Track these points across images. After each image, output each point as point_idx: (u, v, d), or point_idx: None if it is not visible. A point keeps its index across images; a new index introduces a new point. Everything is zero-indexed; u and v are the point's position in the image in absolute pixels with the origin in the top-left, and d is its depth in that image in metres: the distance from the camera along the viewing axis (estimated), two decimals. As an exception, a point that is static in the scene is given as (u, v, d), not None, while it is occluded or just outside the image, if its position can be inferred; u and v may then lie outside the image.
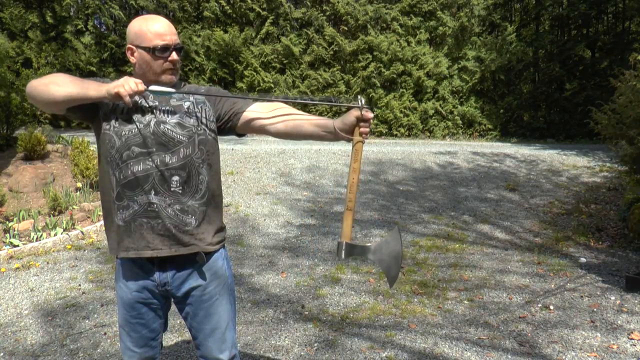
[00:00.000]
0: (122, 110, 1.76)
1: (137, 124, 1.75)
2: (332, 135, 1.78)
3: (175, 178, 1.74)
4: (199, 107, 1.83)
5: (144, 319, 1.87)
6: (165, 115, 1.78)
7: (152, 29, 1.74)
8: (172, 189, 1.74)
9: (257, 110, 1.86)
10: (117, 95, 1.60)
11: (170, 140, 1.75)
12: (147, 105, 1.79)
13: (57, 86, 1.66)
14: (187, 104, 1.81)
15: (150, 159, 1.73)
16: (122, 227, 1.76)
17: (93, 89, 1.65)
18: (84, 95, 1.65)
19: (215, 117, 1.85)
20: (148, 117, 1.77)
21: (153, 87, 1.71)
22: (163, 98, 1.80)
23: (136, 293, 1.83)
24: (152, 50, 1.73)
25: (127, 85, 1.60)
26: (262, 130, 1.86)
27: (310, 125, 1.80)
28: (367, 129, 1.72)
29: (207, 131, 1.82)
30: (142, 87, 1.64)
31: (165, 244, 1.75)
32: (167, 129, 1.75)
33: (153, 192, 1.72)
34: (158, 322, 1.91)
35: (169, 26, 1.77)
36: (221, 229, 1.90)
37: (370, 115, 1.71)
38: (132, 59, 1.77)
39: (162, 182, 1.73)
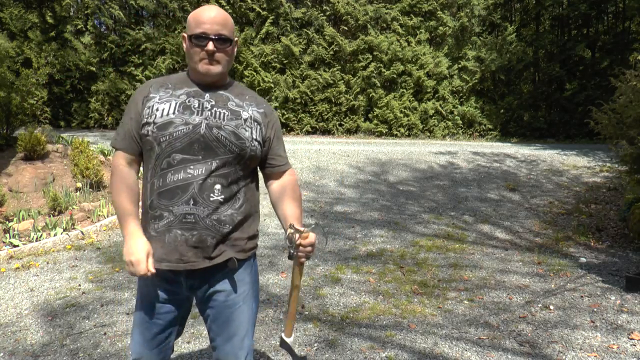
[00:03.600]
0: (162, 111, 1.67)
1: (181, 127, 1.65)
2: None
3: (218, 187, 1.66)
4: (255, 124, 1.75)
5: (161, 319, 1.80)
6: (221, 119, 1.68)
7: (197, 16, 1.67)
8: (212, 199, 1.65)
9: (274, 178, 1.87)
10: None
11: (221, 147, 1.66)
12: (198, 104, 1.68)
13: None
14: (245, 115, 1.73)
15: (192, 167, 1.63)
16: (155, 237, 1.69)
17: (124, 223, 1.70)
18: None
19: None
20: (197, 118, 1.66)
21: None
22: (221, 98, 1.72)
23: (161, 293, 1.77)
24: (190, 38, 1.67)
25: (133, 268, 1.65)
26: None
27: (280, 210, 1.83)
28: (304, 254, 1.71)
29: (258, 149, 1.75)
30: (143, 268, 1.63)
31: (199, 256, 1.68)
32: (222, 135, 1.66)
33: (192, 202, 1.63)
34: (174, 327, 1.85)
35: (216, 15, 1.66)
36: (254, 236, 1.84)
37: (307, 241, 1.68)
38: (184, 48, 1.73)
39: (202, 192, 1.64)
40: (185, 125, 1.64)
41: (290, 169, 1.89)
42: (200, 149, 1.63)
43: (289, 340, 1.84)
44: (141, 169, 1.79)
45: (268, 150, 1.80)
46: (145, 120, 1.67)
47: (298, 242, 1.68)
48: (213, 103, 1.69)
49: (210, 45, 1.64)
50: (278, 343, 1.75)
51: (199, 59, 1.66)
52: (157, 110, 1.67)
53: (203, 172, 1.62)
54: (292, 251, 1.72)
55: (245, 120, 1.71)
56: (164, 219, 1.65)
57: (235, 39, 1.74)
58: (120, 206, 1.69)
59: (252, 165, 1.77)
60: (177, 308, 1.81)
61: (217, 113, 1.68)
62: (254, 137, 1.72)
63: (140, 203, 1.76)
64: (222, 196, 1.67)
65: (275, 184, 1.86)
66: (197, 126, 1.64)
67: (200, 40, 1.64)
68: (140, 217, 1.76)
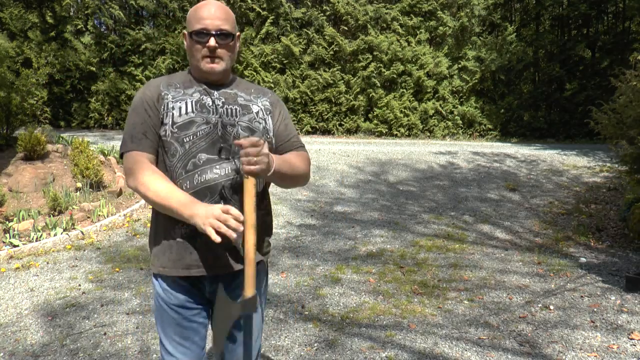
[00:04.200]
0: (179, 109, 1.60)
1: (203, 126, 1.59)
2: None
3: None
4: (268, 115, 1.71)
5: (194, 321, 1.68)
6: (234, 116, 1.63)
7: (197, 12, 1.60)
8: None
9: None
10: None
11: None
12: (212, 103, 1.63)
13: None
14: (256, 108, 1.68)
15: (218, 166, 1.57)
16: (182, 243, 1.59)
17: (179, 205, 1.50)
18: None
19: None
20: (214, 117, 1.61)
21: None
22: (229, 95, 1.67)
23: (180, 300, 1.66)
24: (190, 35, 1.61)
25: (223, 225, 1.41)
26: None
27: None
28: (246, 161, 1.44)
29: (273, 139, 1.70)
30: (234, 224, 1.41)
31: (232, 258, 1.61)
32: (238, 132, 1.61)
33: (222, 203, 1.55)
34: (205, 329, 1.74)
35: (216, 10, 1.59)
36: (270, 236, 1.80)
37: (248, 140, 1.45)
38: (185, 46, 1.67)
39: (231, 192, 1.56)
40: (207, 124, 1.59)
41: (305, 152, 1.78)
42: (222, 148, 1.59)
43: (247, 296, 1.50)
44: None
45: (279, 137, 1.73)
46: (162, 120, 1.60)
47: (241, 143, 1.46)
48: (223, 100, 1.65)
49: (212, 41, 1.58)
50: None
51: (201, 57, 1.61)
52: (173, 109, 1.60)
53: (229, 171, 1.57)
54: (237, 162, 1.55)
55: (257, 113, 1.68)
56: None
57: (237, 33, 1.68)
58: (162, 187, 1.52)
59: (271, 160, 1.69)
60: (204, 310, 1.72)
61: (229, 110, 1.64)
62: (268, 128, 1.69)
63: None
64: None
65: None
66: (215, 126, 1.60)
67: (201, 36, 1.59)
68: (156, 221, 1.67)
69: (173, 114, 1.59)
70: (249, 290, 1.48)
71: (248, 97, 1.70)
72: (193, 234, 1.56)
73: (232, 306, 1.52)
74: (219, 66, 1.62)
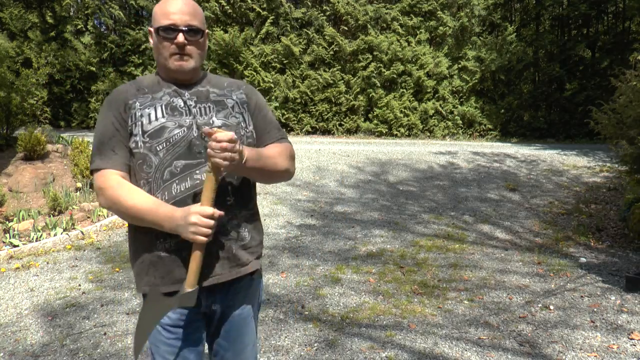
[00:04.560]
0: (149, 117, 1.50)
1: (176, 131, 1.48)
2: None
3: (229, 188, 1.51)
4: (244, 106, 1.61)
5: (189, 340, 1.58)
6: (207, 114, 1.54)
7: (164, 7, 1.52)
8: (228, 202, 1.50)
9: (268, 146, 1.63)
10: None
11: None
12: (183, 104, 1.53)
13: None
14: (230, 102, 1.59)
15: (197, 171, 1.47)
16: (167, 258, 1.48)
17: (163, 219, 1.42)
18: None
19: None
20: (188, 119, 1.51)
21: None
22: (200, 93, 1.57)
23: (175, 320, 1.55)
24: (157, 31, 1.51)
25: (199, 229, 1.36)
26: None
27: None
28: (213, 153, 1.34)
29: (253, 133, 1.61)
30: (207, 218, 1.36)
31: (225, 267, 1.51)
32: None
33: None
34: (202, 347, 1.64)
35: (184, 4, 1.51)
36: (262, 239, 1.68)
37: (222, 135, 1.34)
38: (151, 43, 1.57)
39: (216, 196, 1.44)
40: (180, 128, 1.49)
41: (287, 143, 1.66)
42: (200, 152, 1.48)
43: (187, 289, 1.42)
44: None
45: (258, 129, 1.63)
46: (131, 131, 1.49)
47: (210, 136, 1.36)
48: (195, 99, 1.55)
49: (181, 37, 1.49)
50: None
51: (169, 54, 1.51)
52: (142, 117, 1.49)
53: None
54: (202, 150, 1.46)
55: (233, 107, 1.58)
56: (176, 235, 1.42)
57: (206, 30, 1.59)
58: (139, 202, 1.43)
59: None
60: (200, 326, 1.61)
61: (203, 109, 1.54)
62: (247, 122, 1.59)
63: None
64: (235, 197, 1.53)
65: None
66: (189, 128, 1.50)
67: (169, 32, 1.49)
68: (134, 239, 1.56)
69: (142, 122, 1.49)
70: (190, 284, 1.41)
71: (221, 92, 1.60)
72: (179, 247, 1.46)
73: (165, 300, 1.46)
74: (188, 64, 1.53)
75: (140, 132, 1.48)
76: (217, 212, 1.38)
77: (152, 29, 1.55)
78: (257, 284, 1.69)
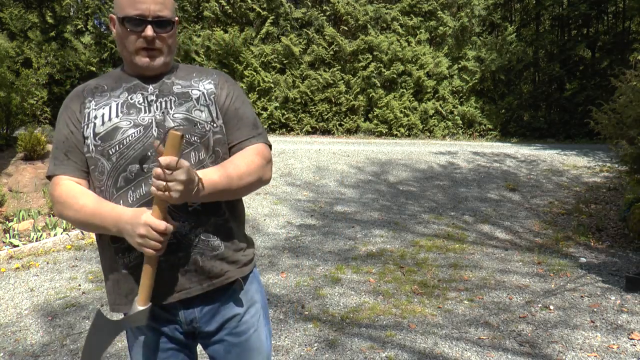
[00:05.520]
0: (102, 117, 1.33)
1: (130, 131, 1.31)
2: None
3: None
4: (211, 98, 1.41)
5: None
6: (168, 107, 1.35)
7: None
8: (190, 209, 1.32)
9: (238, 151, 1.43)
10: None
11: None
12: (143, 100, 1.36)
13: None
14: (196, 93, 1.39)
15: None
16: (128, 274, 1.34)
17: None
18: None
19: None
20: (147, 117, 1.33)
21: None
22: (165, 85, 1.39)
23: (155, 337, 1.43)
24: (122, 22, 1.32)
25: (148, 241, 1.20)
26: None
27: None
28: (155, 185, 1.18)
29: (223, 128, 1.41)
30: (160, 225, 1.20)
31: (193, 280, 1.34)
32: (177, 128, 1.33)
33: (168, 219, 1.29)
34: None
35: None
36: (250, 243, 1.51)
37: (164, 159, 1.16)
38: (113, 33, 1.39)
39: (175, 206, 1.28)
40: (135, 127, 1.31)
41: (259, 144, 1.44)
42: (144, 158, 1.30)
43: (139, 307, 1.29)
44: None
45: (228, 125, 1.42)
46: (83, 134, 1.34)
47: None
48: (157, 93, 1.37)
49: (149, 31, 1.31)
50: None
51: (135, 49, 1.33)
52: (95, 118, 1.33)
53: None
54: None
55: (198, 99, 1.38)
56: (135, 249, 1.27)
57: (176, 18, 1.41)
58: (85, 203, 1.30)
59: (224, 151, 1.41)
60: (183, 345, 1.45)
61: (164, 103, 1.36)
62: (214, 116, 1.39)
63: (96, 239, 1.41)
64: (200, 204, 1.33)
65: None
66: (148, 127, 1.32)
67: (136, 24, 1.30)
68: (100, 255, 1.42)
69: (95, 123, 1.33)
70: (142, 302, 1.27)
71: (187, 83, 1.41)
72: (139, 263, 1.30)
73: (112, 323, 1.34)
74: (157, 61, 1.36)
75: (92, 135, 1.32)
76: (170, 227, 1.21)
77: (114, 16, 1.36)
78: (252, 289, 1.49)
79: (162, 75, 1.42)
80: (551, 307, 3.80)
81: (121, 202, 1.30)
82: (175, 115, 1.34)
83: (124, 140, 1.30)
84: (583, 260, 4.87)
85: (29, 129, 7.40)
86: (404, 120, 15.09)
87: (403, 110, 15.16)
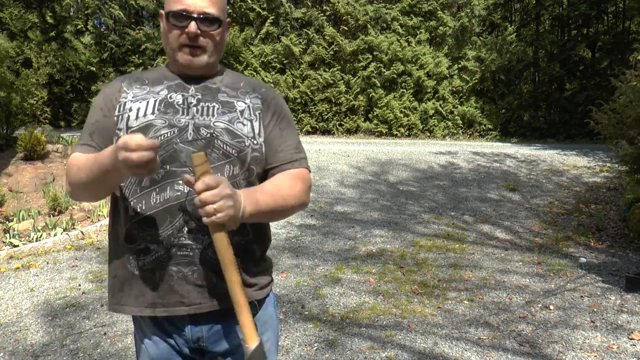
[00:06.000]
0: (137, 111, 1.28)
1: (164, 131, 1.26)
2: None
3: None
4: (257, 114, 1.34)
5: None
6: (209, 115, 1.29)
7: None
8: None
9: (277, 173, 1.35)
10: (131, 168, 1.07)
11: (214, 151, 1.26)
12: (182, 101, 1.30)
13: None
14: (241, 105, 1.33)
15: (181, 182, 1.23)
16: (140, 276, 1.27)
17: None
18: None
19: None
20: (184, 119, 1.27)
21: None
22: (208, 90, 1.33)
23: (162, 352, 1.35)
24: (167, 16, 1.28)
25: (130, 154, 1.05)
26: None
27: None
28: (204, 213, 1.10)
29: (262, 147, 1.33)
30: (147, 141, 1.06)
31: (205, 296, 1.27)
32: (215, 136, 1.27)
33: (186, 230, 1.24)
34: None
35: None
36: (270, 266, 1.44)
37: (200, 184, 1.09)
38: (161, 28, 1.35)
39: (197, 214, 1.18)
40: (170, 128, 1.26)
41: (302, 170, 1.38)
42: (190, 157, 1.23)
43: (252, 346, 1.17)
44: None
45: (270, 146, 1.35)
46: (117, 123, 1.29)
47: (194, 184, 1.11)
48: (199, 97, 1.32)
49: (193, 27, 1.26)
50: None
51: (178, 46, 1.29)
52: (130, 110, 1.29)
53: None
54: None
55: (242, 112, 1.32)
56: (151, 253, 1.24)
57: (227, 19, 1.37)
58: (88, 159, 1.23)
59: (258, 170, 1.34)
60: None
61: (204, 109, 1.30)
62: (256, 132, 1.32)
63: (109, 233, 1.37)
64: None
65: None
66: (183, 129, 1.26)
67: (180, 19, 1.26)
68: (109, 250, 1.36)
69: (129, 116, 1.28)
70: (251, 340, 1.16)
71: (233, 93, 1.35)
72: (152, 268, 1.25)
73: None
74: (200, 59, 1.30)
75: (124, 127, 1.27)
76: (152, 142, 1.06)
77: (162, 12, 1.33)
78: (266, 313, 1.41)
79: (206, 78, 1.36)
80: (551, 307, 3.80)
81: (143, 202, 1.25)
82: (216, 124, 1.28)
83: (156, 139, 1.20)
84: (583, 260, 4.87)
85: (29, 129, 7.40)
86: (404, 120, 15.10)
87: (403, 110, 15.17)
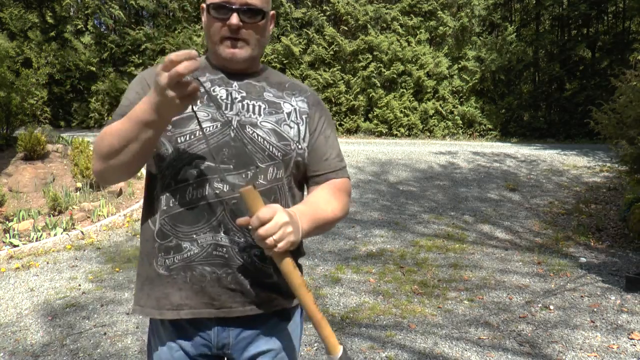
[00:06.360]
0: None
1: (207, 123, 1.20)
2: None
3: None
4: (303, 117, 1.30)
5: None
6: (255, 113, 1.24)
7: None
8: (249, 226, 1.17)
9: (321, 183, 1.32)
10: (169, 79, 0.96)
11: (258, 151, 1.21)
12: (227, 95, 1.24)
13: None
14: (288, 107, 1.29)
15: (221, 180, 1.17)
16: (167, 277, 1.20)
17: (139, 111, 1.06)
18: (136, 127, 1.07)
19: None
20: (228, 113, 1.22)
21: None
22: (252, 88, 1.28)
23: (181, 353, 1.27)
24: (208, 9, 1.22)
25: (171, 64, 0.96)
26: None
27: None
28: (267, 246, 1.06)
29: (306, 152, 1.29)
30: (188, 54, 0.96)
31: (237, 301, 1.21)
32: (259, 135, 1.22)
33: (222, 230, 1.18)
34: None
35: None
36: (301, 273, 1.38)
37: (257, 217, 1.04)
38: (203, 21, 1.30)
39: (235, 215, 1.16)
40: (213, 121, 1.20)
41: (345, 180, 1.35)
42: (232, 155, 1.19)
43: (337, 356, 1.15)
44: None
45: (315, 153, 1.31)
46: None
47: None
48: (244, 94, 1.26)
49: (234, 19, 1.19)
50: None
51: (220, 39, 1.23)
52: None
53: (237, 186, 1.18)
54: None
55: (289, 114, 1.28)
56: (183, 251, 1.18)
57: (272, 12, 1.30)
58: (120, 122, 1.11)
59: (299, 176, 1.30)
60: None
61: (251, 106, 1.25)
62: (301, 136, 1.28)
63: (142, 229, 1.29)
64: None
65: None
66: (226, 124, 1.20)
67: (221, 11, 1.20)
68: (140, 246, 1.30)
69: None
70: (335, 350, 1.13)
71: (279, 94, 1.30)
72: (182, 267, 1.19)
73: None
74: (242, 52, 1.23)
75: None
76: (193, 52, 0.97)
77: (204, 5, 1.26)
78: (294, 324, 1.37)
79: (248, 75, 1.30)
80: (551, 307, 3.80)
81: (178, 195, 1.18)
82: (263, 123, 1.23)
83: (197, 132, 1.19)
84: (583, 260, 4.87)
85: (29, 129, 7.40)
86: (404, 120, 15.10)
87: (403, 110, 15.17)
